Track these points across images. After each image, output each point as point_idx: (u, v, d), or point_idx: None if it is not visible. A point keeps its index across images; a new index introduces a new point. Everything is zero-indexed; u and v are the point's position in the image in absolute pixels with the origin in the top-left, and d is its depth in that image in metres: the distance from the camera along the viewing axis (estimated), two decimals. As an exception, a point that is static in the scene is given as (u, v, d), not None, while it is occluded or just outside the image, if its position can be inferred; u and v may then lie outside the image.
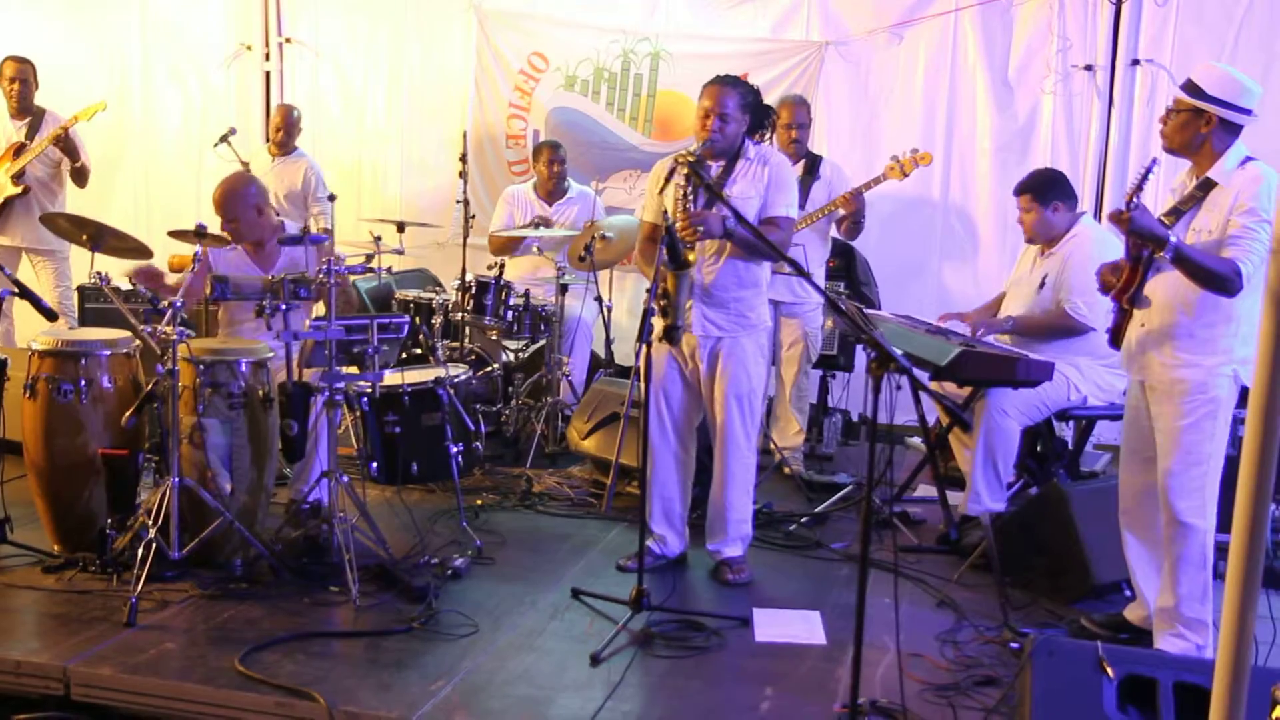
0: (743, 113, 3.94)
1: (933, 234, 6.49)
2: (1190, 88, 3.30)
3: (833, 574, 4.26)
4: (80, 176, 6.02)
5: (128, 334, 4.15)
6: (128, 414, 3.82)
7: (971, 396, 4.39)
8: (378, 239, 5.02)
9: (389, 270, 4.82)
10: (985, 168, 6.38)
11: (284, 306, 3.93)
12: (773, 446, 5.47)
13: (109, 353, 4.03)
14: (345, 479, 3.94)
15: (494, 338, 5.84)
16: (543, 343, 5.82)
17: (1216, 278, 3.18)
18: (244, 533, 3.84)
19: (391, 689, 3.14)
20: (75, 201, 6.17)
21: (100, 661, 3.22)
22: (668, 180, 3.94)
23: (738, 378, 4.01)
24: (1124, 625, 3.67)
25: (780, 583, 4.15)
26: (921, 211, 6.48)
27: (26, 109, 6.00)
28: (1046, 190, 4.61)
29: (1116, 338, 3.54)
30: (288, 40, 7.32)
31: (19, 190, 5.89)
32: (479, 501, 4.83)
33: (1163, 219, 3.30)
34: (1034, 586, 4.06)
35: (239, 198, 4.42)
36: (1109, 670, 2.82)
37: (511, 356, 6.04)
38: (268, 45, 7.35)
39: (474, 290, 5.51)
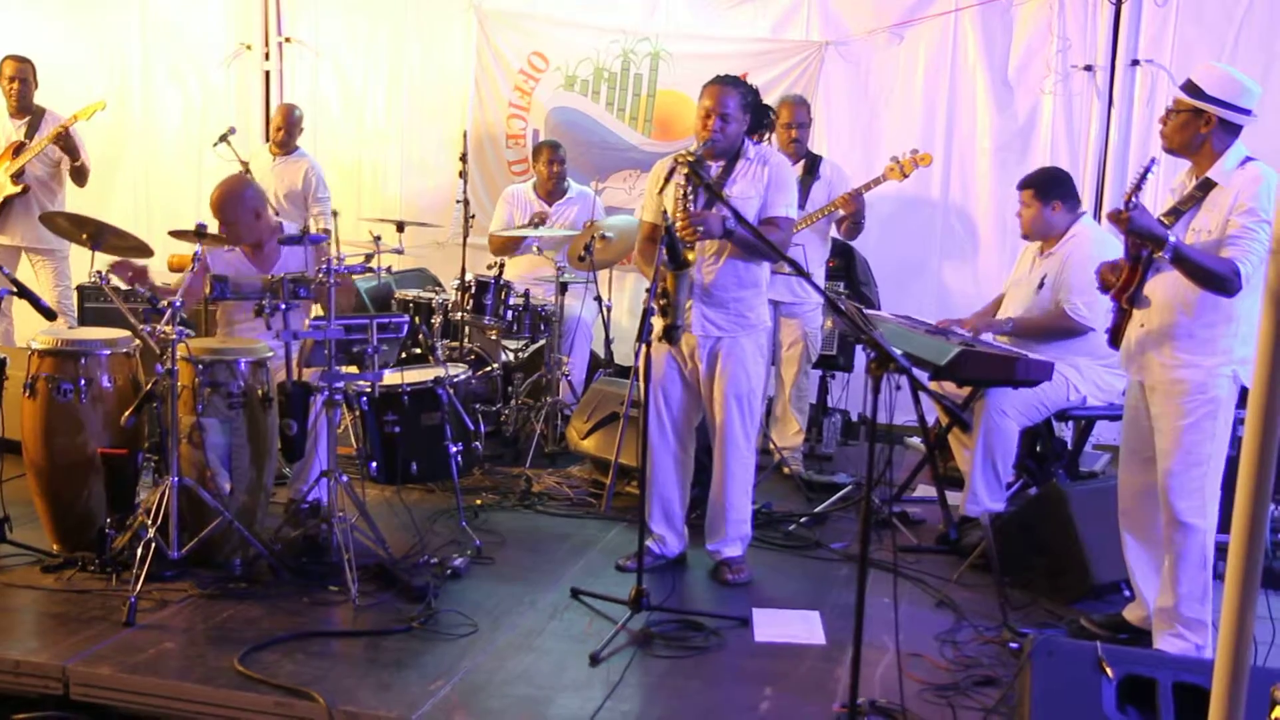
0: (743, 113, 3.94)
1: (932, 234, 6.49)
2: (1190, 88, 3.30)
3: (832, 574, 4.26)
4: (80, 175, 6.02)
5: (127, 333, 4.15)
6: (127, 413, 3.82)
7: (971, 396, 4.39)
8: (377, 238, 5.01)
9: (389, 270, 4.82)
10: (985, 168, 6.38)
11: (284, 306, 3.93)
12: (772, 446, 5.47)
13: (109, 352, 4.03)
14: (344, 478, 3.94)
15: (493, 337, 5.84)
16: (542, 342, 5.82)
17: (1216, 278, 3.18)
18: (243, 532, 3.84)
19: (391, 688, 3.14)
20: (75, 201, 6.16)
21: (99, 661, 3.22)
22: (667, 180, 3.94)
23: (737, 378, 4.01)
24: (1123, 625, 3.67)
25: (780, 583, 4.15)
26: (921, 211, 6.48)
27: (26, 108, 5.99)
28: (1049, 188, 4.61)
29: (1116, 337, 3.54)
30: (287, 40, 7.32)
31: (18, 189, 5.88)
32: (478, 501, 4.83)
33: (1162, 219, 3.30)
34: (1033, 587, 4.06)
35: (237, 200, 4.42)
36: (1108, 670, 2.82)
37: (511, 356, 6.04)
38: (267, 45, 7.35)
39: (474, 290, 5.50)
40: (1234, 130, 3.28)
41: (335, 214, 4.36)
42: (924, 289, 6.45)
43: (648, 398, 3.97)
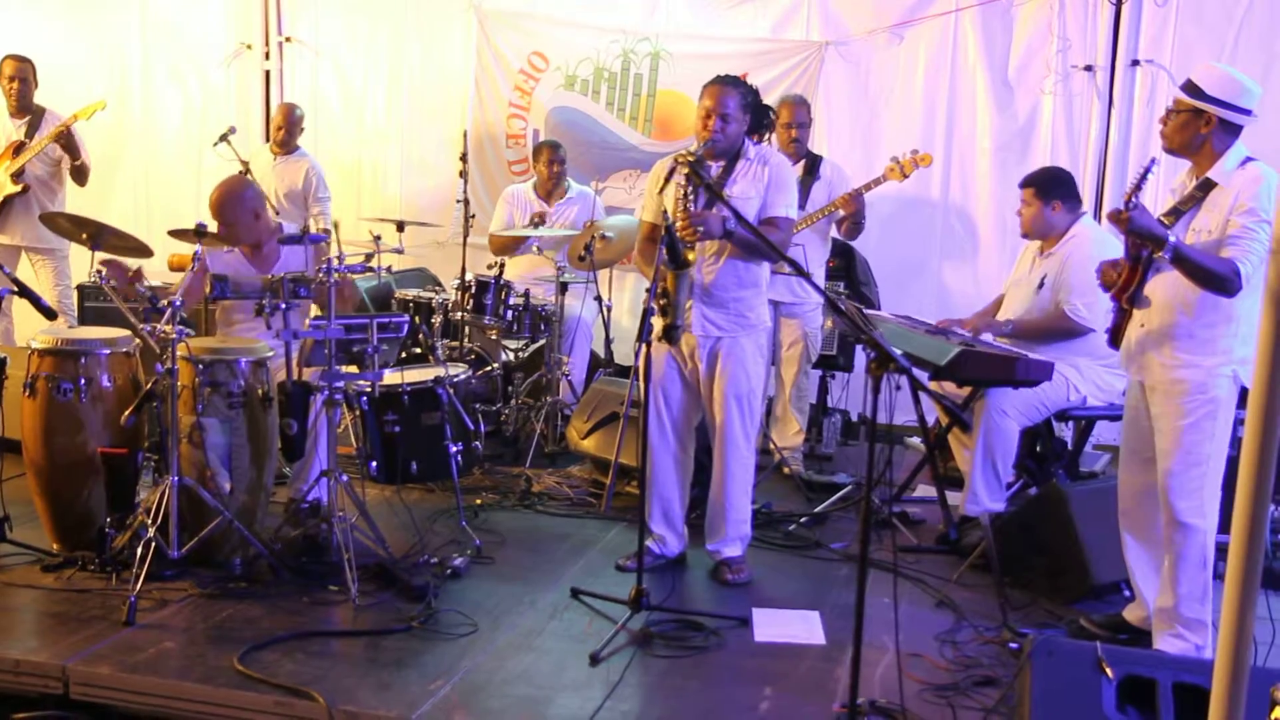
0: (743, 113, 3.94)
1: (932, 234, 6.49)
2: (1190, 88, 3.30)
3: (832, 574, 4.26)
4: (80, 175, 6.02)
5: (127, 333, 4.15)
6: (127, 413, 3.82)
7: (971, 396, 4.39)
8: (377, 238, 5.01)
9: (389, 269, 4.82)
10: (985, 168, 6.38)
11: (284, 305, 3.93)
12: (772, 446, 5.47)
13: (109, 351, 4.03)
14: (344, 478, 3.94)
15: (494, 337, 5.84)
16: (542, 342, 5.82)
17: (1216, 278, 3.18)
18: (243, 532, 3.84)
19: (391, 688, 3.14)
20: (75, 200, 6.16)
21: (99, 660, 3.22)
22: (667, 180, 3.94)
23: (737, 378, 4.01)
24: (1123, 626, 3.67)
25: (779, 583, 4.15)
26: (921, 211, 6.48)
27: (26, 107, 5.99)
28: (1050, 188, 4.61)
29: (1116, 337, 3.55)
30: (288, 39, 7.32)
31: (18, 189, 5.88)
32: (478, 501, 4.83)
33: (1162, 219, 3.30)
34: (1033, 587, 4.06)
35: (236, 201, 4.42)
36: (1108, 671, 2.82)
37: (511, 356, 6.03)
38: (268, 44, 7.35)
39: (474, 290, 5.50)
40: (1234, 130, 3.28)
41: (336, 225, 4.36)
42: (924, 289, 6.45)
43: (647, 398, 3.97)
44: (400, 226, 5.96)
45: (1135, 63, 6.05)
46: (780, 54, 6.51)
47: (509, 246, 6.07)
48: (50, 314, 4.25)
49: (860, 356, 5.91)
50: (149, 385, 3.81)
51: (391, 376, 4.38)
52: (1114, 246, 3.91)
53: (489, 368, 5.80)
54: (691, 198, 3.84)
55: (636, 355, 3.84)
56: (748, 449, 4.08)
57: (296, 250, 4.50)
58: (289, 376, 3.96)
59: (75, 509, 3.98)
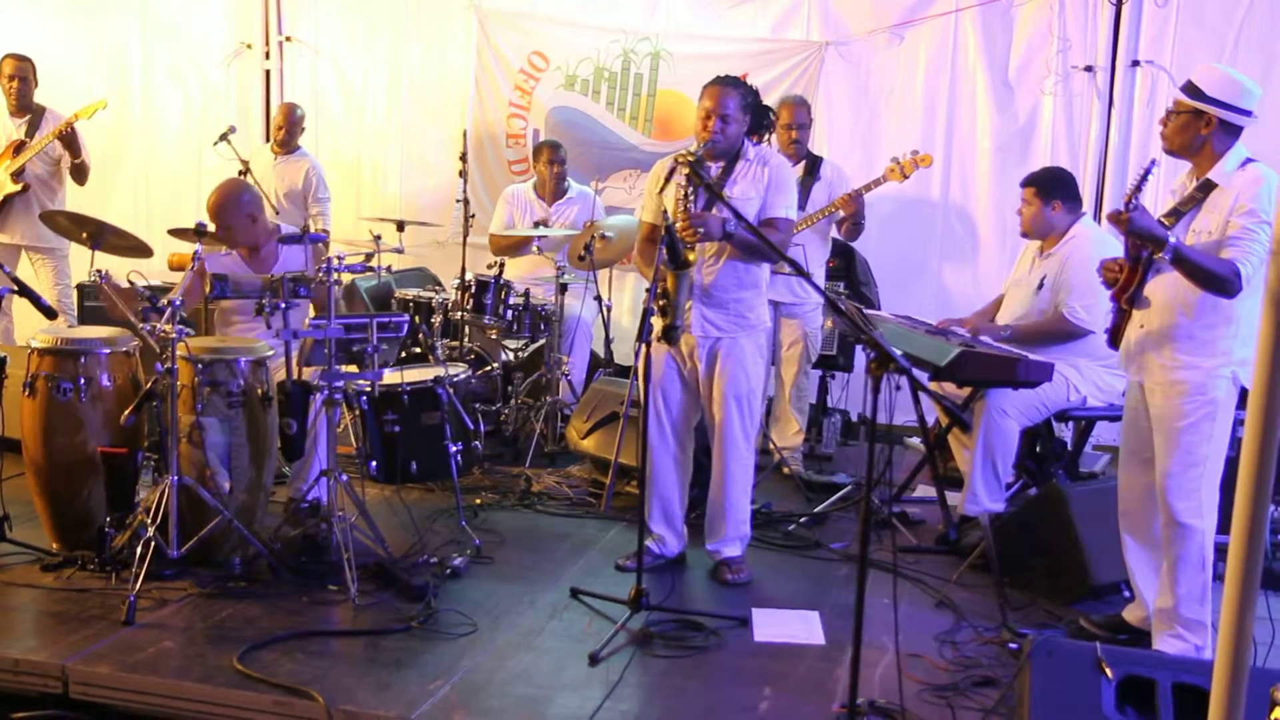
0: (743, 114, 3.94)
1: (932, 234, 6.49)
2: (1190, 89, 3.30)
3: (831, 574, 4.26)
4: (80, 173, 6.01)
5: (127, 332, 4.15)
6: (127, 412, 3.82)
7: (971, 397, 4.39)
8: (377, 238, 5.01)
9: (389, 269, 4.82)
10: (985, 168, 6.38)
11: (283, 305, 3.93)
12: (772, 446, 5.47)
13: (108, 351, 4.03)
14: (344, 478, 3.94)
15: (493, 337, 5.84)
16: (542, 342, 5.82)
17: (1216, 279, 3.18)
18: (243, 531, 3.84)
19: (390, 688, 3.14)
20: (75, 200, 6.16)
21: (99, 660, 3.22)
22: (667, 180, 3.94)
23: (736, 378, 4.00)
24: (1123, 626, 3.67)
25: (779, 583, 4.15)
26: (921, 211, 6.47)
27: (26, 106, 5.99)
28: (1051, 187, 4.61)
29: (1115, 338, 3.55)
30: (288, 39, 7.32)
31: (19, 188, 5.88)
32: (478, 501, 4.82)
33: (1162, 220, 3.30)
34: (1033, 587, 4.06)
35: (234, 205, 4.43)
36: (1108, 671, 2.82)
37: (511, 356, 6.03)
38: (268, 44, 7.35)
39: (473, 289, 5.50)
40: (1234, 131, 3.28)
41: (329, 235, 4.35)
42: (924, 289, 6.45)
43: (647, 398, 3.97)
44: (400, 226, 5.96)
45: (1135, 63, 6.05)
46: (780, 54, 6.51)
47: (510, 248, 6.07)
48: (50, 313, 4.25)
49: (860, 357, 5.91)
50: (149, 385, 3.81)
51: (391, 376, 4.38)
52: (1114, 247, 3.91)
53: (489, 368, 5.80)
54: (691, 198, 3.84)
55: (636, 355, 3.84)
56: (747, 449, 4.08)
57: (295, 251, 4.51)
58: (289, 376, 3.96)
59: (75, 508, 3.98)
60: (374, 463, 4.40)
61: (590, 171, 6.60)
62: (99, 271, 4.08)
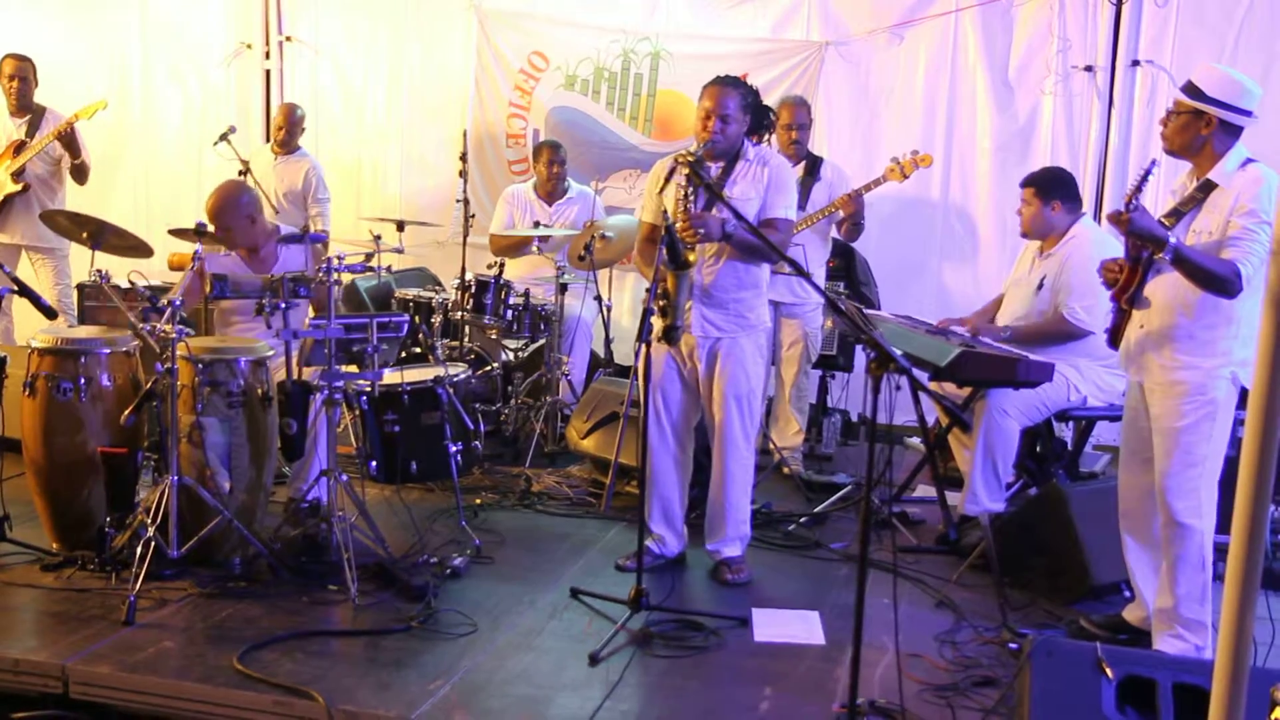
0: (743, 114, 3.94)
1: (932, 234, 6.49)
2: (1190, 89, 3.30)
3: (831, 574, 4.26)
4: (80, 173, 6.01)
5: (127, 332, 4.15)
6: (127, 412, 3.82)
7: (971, 397, 4.39)
8: (377, 238, 5.01)
9: (389, 269, 4.82)
10: (985, 168, 6.38)
11: (283, 305, 3.93)
12: (772, 446, 5.47)
13: (109, 351, 4.03)
14: (344, 478, 3.94)
15: (493, 337, 5.84)
16: (542, 342, 5.82)
17: (1216, 279, 3.18)
18: (243, 531, 3.84)
19: (390, 688, 3.14)
20: (75, 199, 6.16)
21: (99, 660, 3.22)
22: (667, 180, 3.94)
23: (736, 378, 4.00)
24: (1123, 626, 3.67)
25: (779, 583, 4.15)
26: (921, 211, 6.47)
27: (26, 106, 5.99)
28: (1050, 188, 4.61)
29: (1115, 338, 3.55)
30: (288, 39, 7.32)
31: (19, 188, 5.88)
32: (478, 501, 4.82)
33: (1163, 220, 3.30)
34: (1033, 587, 4.06)
35: (233, 207, 4.44)
36: (1108, 671, 2.82)
37: (511, 356, 6.03)
38: (268, 44, 7.35)
39: (473, 289, 5.50)
40: (1235, 132, 3.28)
41: (328, 236, 4.35)
42: (924, 289, 6.45)
43: (647, 398, 3.97)
44: (400, 226, 5.96)
45: (1135, 63, 6.05)
46: (780, 54, 6.51)
47: (510, 248, 6.07)
48: (50, 313, 4.25)
49: (860, 356, 5.91)
50: (149, 385, 3.81)
51: (391, 376, 4.37)
52: (1114, 248, 3.90)
53: (489, 367, 5.80)
54: (691, 198, 3.84)
55: (636, 355, 3.84)
56: (747, 449, 4.08)
57: (294, 251, 4.51)
58: (289, 376, 3.96)
59: (75, 508, 3.98)
60: (374, 463, 4.40)
61: (590, 171, 6.60)
62: (99, 271, 4.08)
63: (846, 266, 6.01)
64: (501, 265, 5.66)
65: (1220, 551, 3.42)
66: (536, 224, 6.03)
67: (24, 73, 5.96)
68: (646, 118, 6.82)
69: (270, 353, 4.09)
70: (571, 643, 3.51)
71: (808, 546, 4.53)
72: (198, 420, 3.83)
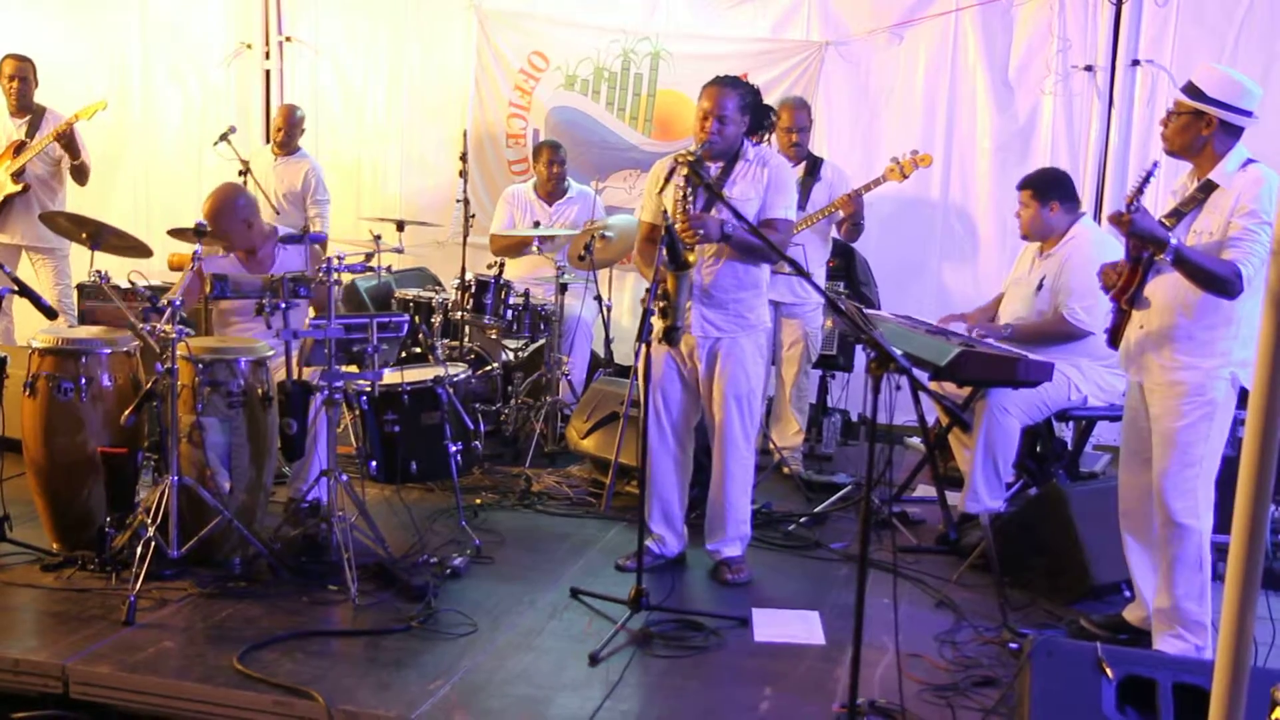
0: (741, 114, 3.94)
1: (932, 234, 6.49)
2: (1191, 90, 3.29)
3: (832, 574, 4.26)
4: (80, 174, 6.01)
5: (127, 332, 4.15)
6: (127, 412, 3.82)
7: (971, 396, 4.39)
8: (377, 238, 5.01)
9: (389, 269, 4.82)
10: (985, 168, 6.38)
11: (284, 305, 3.93)
12: (772, 446, 5.47)
13: (109, 351, 4.03)
14: (344, 478, 3.93)
15: (493, 337, 5.84)
16: (542, 342, 5.82)
17: (1217, 280, 3.18)
18: (243, 531, 3.84)
19: (390, 688, 3.14)
20: (75, 200, 6.16)
21: (99, 660, 3.22)
22: (667, 180, 3.93)
23: (736, 378, 4.00)
24: (1123, 626, 3.67)
25: (779, 583, 4.15)
26: (921, 211, 6.47)
27: (26, 107, 5.99)
28: (1047, 189, 4.61)
29: (1115, 338, 3.55)
30: (288, 39, 7.32)
31: (19, 188, 5.88)
32: (478, 500, 4.82)
33: (1163, 221, 3.30)
34: (1033, 587, 4.06)
35: (229, 211, 4.44)
36: (1108, 671, 2.82)
37: (511, 356, 6.03)
38: (268, 44, 7.35)
39: (473, 289, 5.50)
40: (1235, 132, 3.28)
41: (326, 237, 4.34)
42: (924, 289, 6.45)
43: (647, 398, 3.97)
44: (400, 226, 5.96)
45: (1135, 63, 6.05)
46: (780, 54, 6.51)
47: (510, 248, 6.07)
48: (50, 313, 4.25)
49: (860, 356, 5.91)
50: (149, 385, 3.81)
51: (391, 376, 4.37)
52: (1114, 247, 3.91)
53: (489, 367, 5.80)
54: (690, 198, 3.83)
55: (636, 355, 3.84)
56: (747, 449, 4.08)
57: (293, 252, 4.51)
58: (289, 376, 3.96)
59: (75, 508, 3.98)
60: (374, 463, 4.40)
61: (590, 171, 6.60)
62: (99, 272, 4.08)
63: (846, 266, 6.01)
64: (501, 265, 5.66)
65: (1220, 551, 3.42)
66: (537, 224, 6.04)
67: (24, 73, 5.96)
68: (646, 118, 6.82)
69: (270, 353, 4.09)
70: (571, 643, 3.51)
71: (808, 546, 4.53)
72: (198, 420, 3.83)
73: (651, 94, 6.79)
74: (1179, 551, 3.33)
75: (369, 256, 4.53)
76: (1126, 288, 3.38)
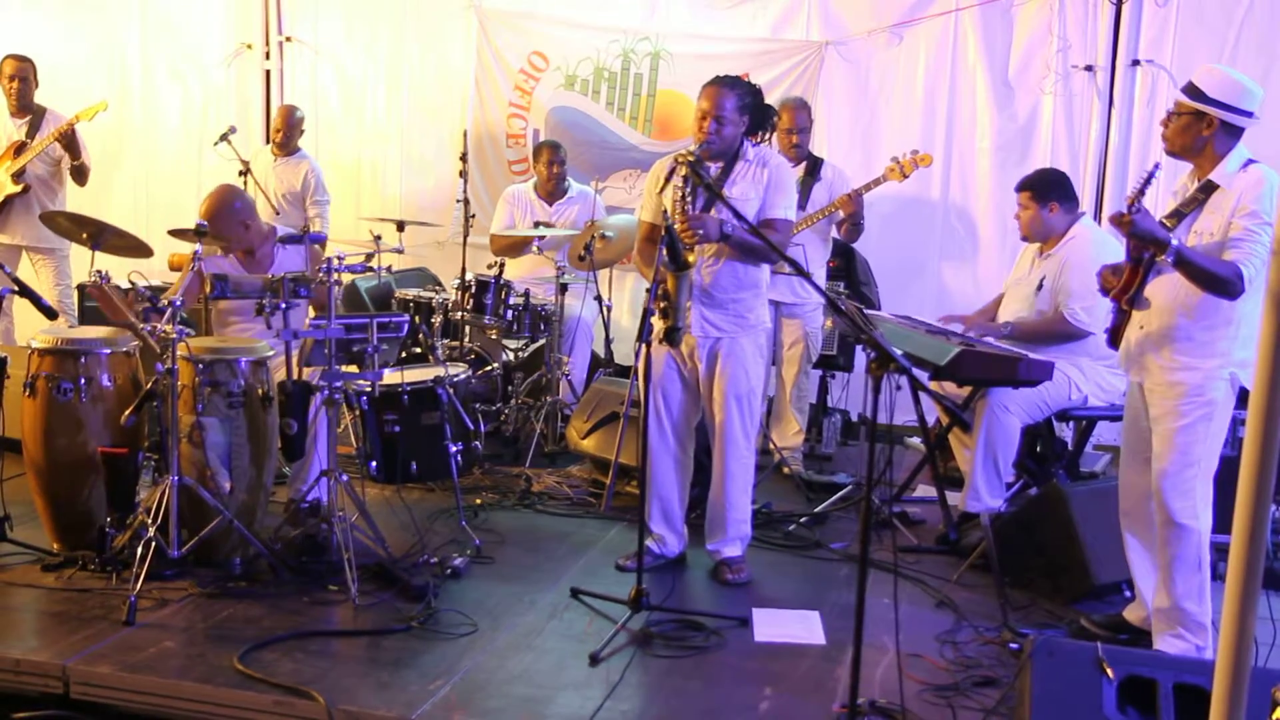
0: (740, 115, 3.93)
1: (933, 234, 6.49)
2: (1191, 90, 3.29)
3: (832, 574, 4.26)
4: (80, 174, 6.01)
5: (127, 332, 4.15)
6: (127, 412, 3.82)
7: (972, 395, 4.39)
8: (377, 238, 5.01)
9: (389, 269, 4.82)
10: (985, 168, 6.38)
11: (284, 305, 3.93)
12: (772, 446, 5.47)
13: (109, 351, 4.03)
14: (344, 478, 3.93)
15: (494, 337, 5.84)
16: (542, 342, 5.82)
17: (1218, 280, 3.18)
18: (243, 531, 3.84)
19: (390, 688, 3.14)
20: (75, 200, 6.16)
21: (99, 660, 3.22)
22: (667, 180, 3.93)
23: (737, 378, 4.00)
24: (1124, 626, 3.67)
25: (779, 583, 4.15)
26: (921, 211, 6.48)
27: (27, 107, 5.99)
28: (1046, 190, 4.61)
29: (1115, 338, 3.55)
30: (288, 39, 7.32)
31: (19, 189, 5.88)
32: (478, 501, 4.82)
33: (1164, 221, 3.30)
34: (1033, 587, 4.06)
35: (227, 213, 4.44)
36: (1109, 671, 2.82)
37: (511, 356, 6.03)
38: (268, 44, 7.35)
39: (474, 289, 5.51)
40: (1236, 133, 3.28)
41: (326, 237, 4.33)
42: (924, 289, 6.46)
43: (647, 398, 3.97)
44: (400, 226, 5.96)
45: (1135, 63, 6.05)
46: (780, 54, 6.51)
47: (510, 248, 6.07)
48: (51, 313, 4.25)
49: (860, 356, 5.91)
50: (149, 385, 3.80)
51: (391, 376, 4.37)
52: (1114, 247, 3.91)
53: (489, 368, 5.80)
54: (690, 198, 3.83)
55: (636, 355, 3.84)
56: (748, 449, 4.08)
57: (292, 252, 4.51)
58: (289, 376, 3.96)
59: (75, 508, 3.98)
60: (374, 463, 4.40)
61: (590, 171, 6.60)
62: (99, 272, 4.08)
63: (846, 266, 6.02)
64: (502, 265, 5.66)
65: (1221, 551, 3.43)
66: (537, 224, 6.04)
67: (24, 73, 5.96)
68: (646, 118, 6.82)
69: (270, 353, 4.09)
70: (572, 643, 3.51)
71: (808, 546, 4.53)
72: (198, 420, 3.83)
73: (651, 94, 6.79)
74: (1179, 551, 3.33)
75: (369, 256, 4.53)
76: (1127, 288, 3.38)
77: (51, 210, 5.54)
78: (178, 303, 3.75)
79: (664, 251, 3.54)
